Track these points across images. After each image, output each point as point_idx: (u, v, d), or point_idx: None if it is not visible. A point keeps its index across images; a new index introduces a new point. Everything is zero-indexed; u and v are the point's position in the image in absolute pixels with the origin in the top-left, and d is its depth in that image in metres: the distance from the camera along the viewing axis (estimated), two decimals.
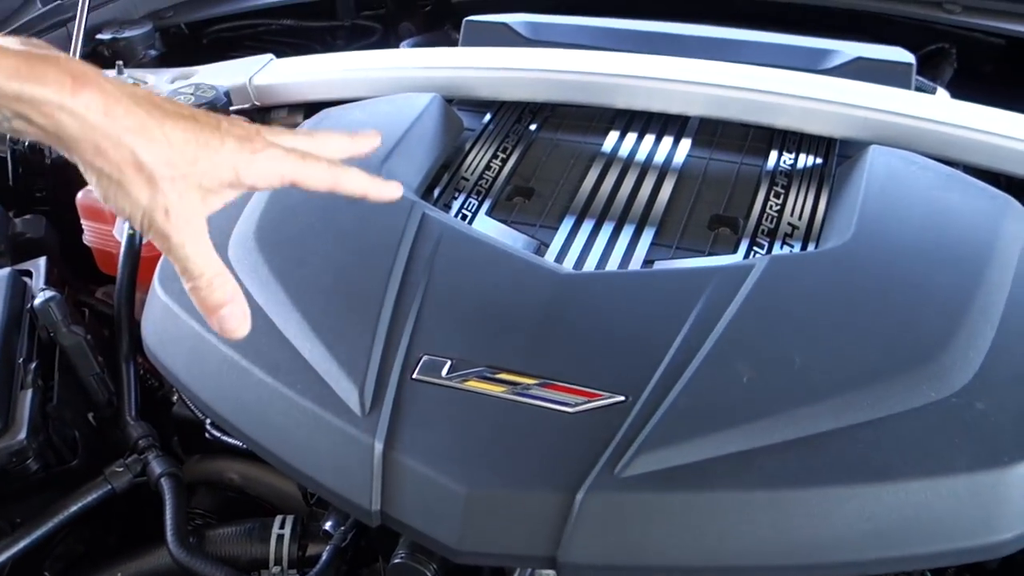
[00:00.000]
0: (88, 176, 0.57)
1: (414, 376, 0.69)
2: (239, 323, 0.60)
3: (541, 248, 0.87)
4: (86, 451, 0.85)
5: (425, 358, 0.70)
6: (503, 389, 0.68)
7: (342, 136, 0.67)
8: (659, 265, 0.84)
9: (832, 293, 0.73)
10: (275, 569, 0.81)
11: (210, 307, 0.59)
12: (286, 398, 0.70)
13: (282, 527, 0.81)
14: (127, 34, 1.30)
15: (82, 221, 1.02)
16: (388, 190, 0.68)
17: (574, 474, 0.62)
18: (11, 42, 0.54)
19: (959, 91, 1.13)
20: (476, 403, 0.67)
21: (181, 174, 0.56)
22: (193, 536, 0.81)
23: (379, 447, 0.65)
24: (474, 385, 0.68)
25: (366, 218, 0.80)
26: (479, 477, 0.63)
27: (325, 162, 0.63)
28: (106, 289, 1.10)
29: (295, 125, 1.18)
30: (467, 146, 1.01)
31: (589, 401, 0.66)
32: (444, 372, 0.69)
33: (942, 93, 1.08)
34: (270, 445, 0.71)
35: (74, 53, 1.16)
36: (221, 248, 0.82)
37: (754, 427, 0.63)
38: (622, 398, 0.66)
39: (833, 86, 0.99)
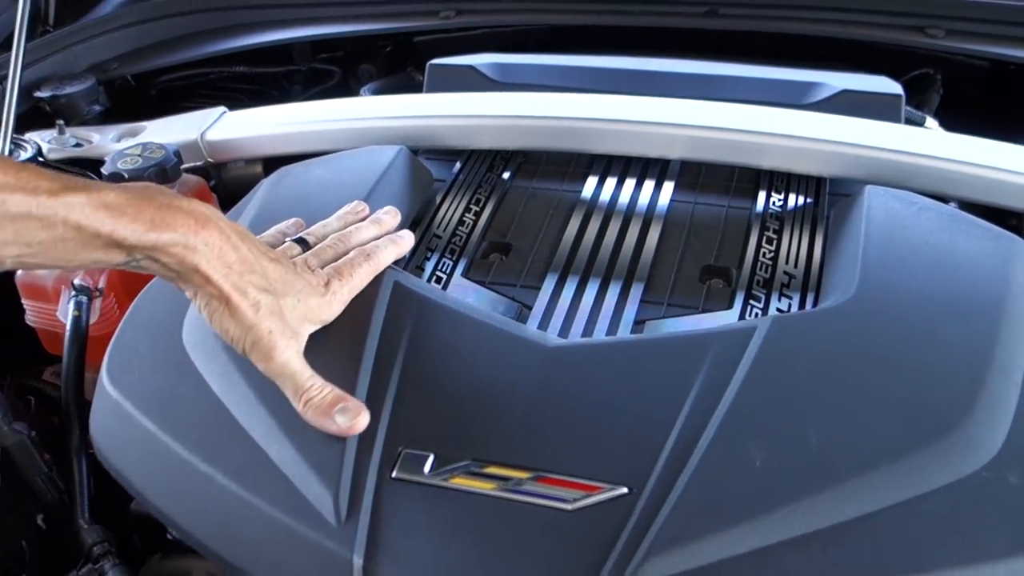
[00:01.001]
0: (197, 301, 0.66)
1: (394, 475, 0.62)
2: (358, 413, 0.64)
3: (523, 311, 0.81)
4: (34, 561, 0.78)
5: (405, 453, 0.63)
6: (493, 486, 0.61)
7: (370, 226, 0.80)
8: (651, 327, 0.78)
9: (841, 358, 0.67)
10: None
11: (327, 411, 0.64)
12: (252, 507, 0.63)
13: None
14: (68, 90, 1.22)
15: (23, 300, 0.95)
16: (406, 242, 0.80)
17: None
18: (135, 189, 0.62)
19: (943, 116, 1.09)
20: (464, 503, 0.60)
21: (278, 305, 0.66)
22: None
23: (358, 562, 0.58)
24: (460, 482, 0.61)
25: None
26: None
27: (365, 265, 0.74)
28: (54, 369, 1.02)
29: (254, 174, 1.11)
30: (438, 199, 0.95)
31: (588, 495, 0.60)
32: (427, 468, 0.62)
33: (931, 123, 1.04)
34: (237, 560, 0.64)
35: (8, 114, 1.09)
36: (176, 332, 0.76)
37: (773, 519, 0.57)
38: (625, 490, 0.60)
39: (820, 122, 0.94)
